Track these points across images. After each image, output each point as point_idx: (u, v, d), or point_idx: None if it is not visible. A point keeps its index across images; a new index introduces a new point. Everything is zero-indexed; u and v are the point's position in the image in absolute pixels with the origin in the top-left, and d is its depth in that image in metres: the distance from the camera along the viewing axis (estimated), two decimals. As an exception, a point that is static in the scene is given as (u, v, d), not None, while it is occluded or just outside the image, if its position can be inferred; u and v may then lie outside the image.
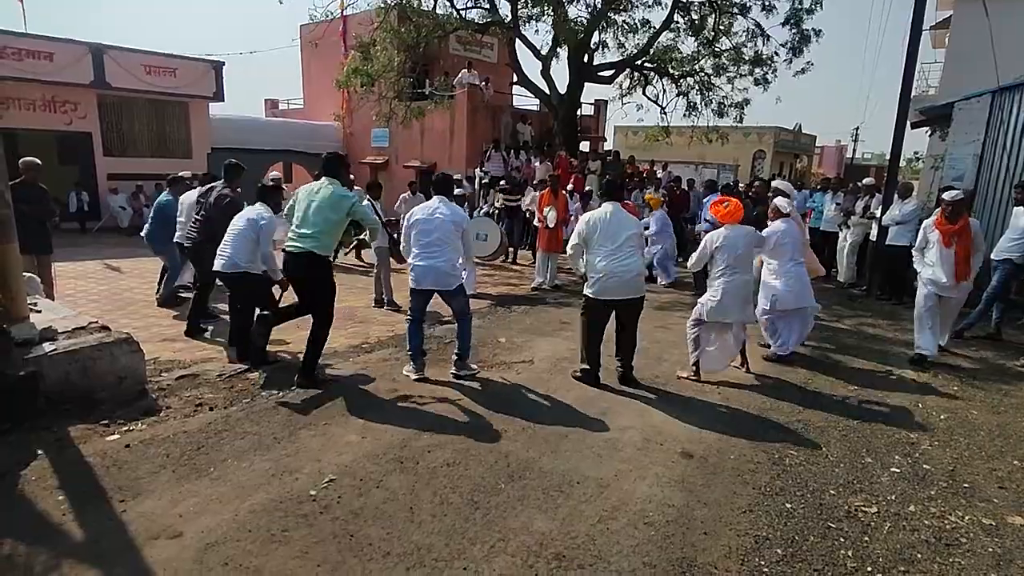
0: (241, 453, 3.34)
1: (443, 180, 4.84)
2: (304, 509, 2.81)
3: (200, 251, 5.43)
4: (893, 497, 3.15)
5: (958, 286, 5.36)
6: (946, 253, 5.31)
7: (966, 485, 3.32)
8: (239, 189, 5.52)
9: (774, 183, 6.42)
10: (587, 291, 4.60)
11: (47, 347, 3.77)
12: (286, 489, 2.97)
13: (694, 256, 5.01)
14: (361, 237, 4.92)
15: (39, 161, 5.81)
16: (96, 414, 3.69)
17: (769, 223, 5.34)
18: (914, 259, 5.66)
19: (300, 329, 4.78)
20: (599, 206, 4.85)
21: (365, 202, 6.95)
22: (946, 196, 5.43)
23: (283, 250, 4.42)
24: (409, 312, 4.81)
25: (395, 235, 6.53)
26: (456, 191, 8.66)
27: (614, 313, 4.63)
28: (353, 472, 3.17)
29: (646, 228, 9.11)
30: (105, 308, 6.51)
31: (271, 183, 5.10)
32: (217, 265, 4.76)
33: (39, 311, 4.34)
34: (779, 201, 5.37)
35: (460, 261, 4.74)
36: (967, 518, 2.98)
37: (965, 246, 5.26)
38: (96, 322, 4.27)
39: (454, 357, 4.81)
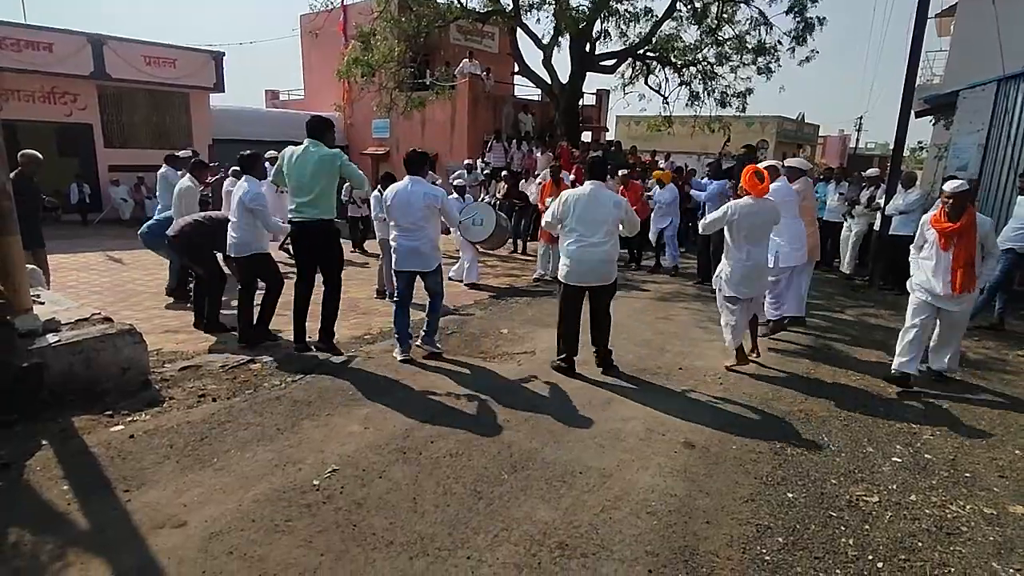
0: (244, 444, 3.35)
1: (415, 158, 4.75)
2: (307, 499, 2.82)
3: (193, 246, 5.45)
4: (894, 486, 3.16)
5: (956, 297, 4.39)
6: (943, 257, 4.39)
7: (967, 474, 3.33)
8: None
9: (787, 161, 6.27)
10: (559, 275, 4.65)
11: (50, 338, 3.78)
12: (289, 479, 2.99)
13: (710, 217, 4.81)
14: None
15: (39, 154, 5.79)
16: (100, 405, 3.70)
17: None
18: (911, 258, 4.81)
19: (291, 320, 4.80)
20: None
21: (375, 193, 7.01)
22: (947, 187, 4.44)
23: (290, 221, 4.48)
24: (396, 295, 4.88)
25: None
26: (458, 182, 8.76)
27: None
28: (356, 462, 3.18)
29: (652, 198, 9.17)
30: (107, 300, 6.52)
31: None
32: (230, 251, 4.91)
33: (42, 303, 4.35)
34: (772, 163, 5.58)
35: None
36: (968, 507, 2.98)
37: (967, 249, 4.31)
38: (99, 313, 4.28)
39: (422, 333, 4.91)
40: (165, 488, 2.87)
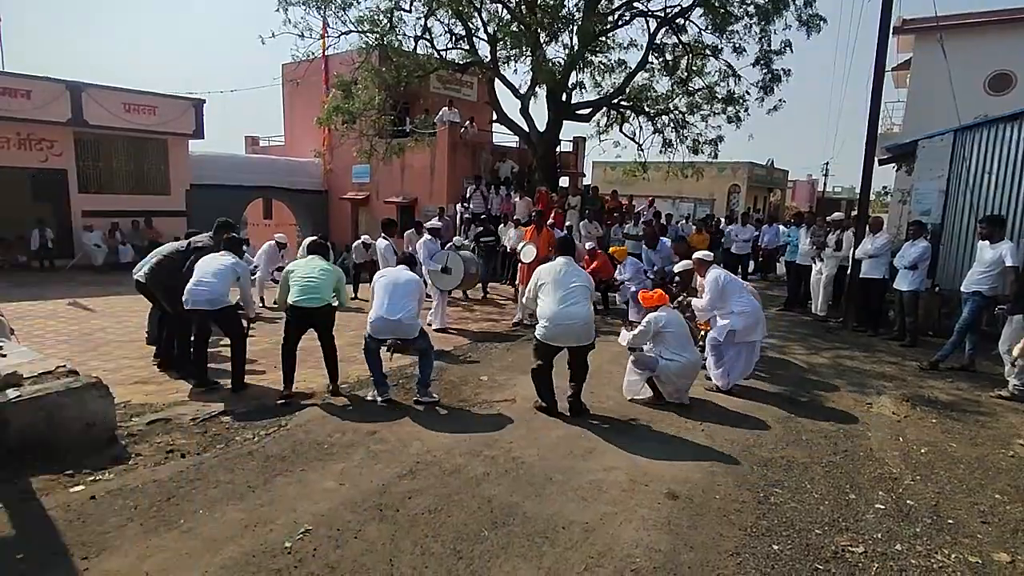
0: (213, 503, 3.21)
1: (406, 260, 5.46)
2: (278, 563, 2.70)
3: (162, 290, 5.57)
4: (879, 535, 3.13)
5: None
6: None
7: (950, 521, 3.32)
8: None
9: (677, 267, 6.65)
10: (536, 334, 4.77)
11: (11, 394, 3.63)
12: (259, 542, 2.86)
13: (638, 330, 5.10)
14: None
15: None
16: (63, 463, 3.54)
17: (700, 276, 5.78)
18: None
19: (277, 369, 4.71)
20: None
21: (381, 242, 7.24)
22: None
23: (292, 306, 4.84)
24: (365, 342, 5.04)
25: None
26: (435, 223, 8.88)
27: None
28: (330, 522, 3.06)
29: (620, 276, 9.16)
30: (75, 349, 6.32)
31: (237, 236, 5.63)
32: (201, 303, 4.92)
33: (4, 355, 4.20)
34: (700, 254, 5.88)
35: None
36: (953, 556, 2.96)
37: None
38: (64, 366, 4.13)
39: (415, 385, 5.06)
40: (127, 554, 2.73)
